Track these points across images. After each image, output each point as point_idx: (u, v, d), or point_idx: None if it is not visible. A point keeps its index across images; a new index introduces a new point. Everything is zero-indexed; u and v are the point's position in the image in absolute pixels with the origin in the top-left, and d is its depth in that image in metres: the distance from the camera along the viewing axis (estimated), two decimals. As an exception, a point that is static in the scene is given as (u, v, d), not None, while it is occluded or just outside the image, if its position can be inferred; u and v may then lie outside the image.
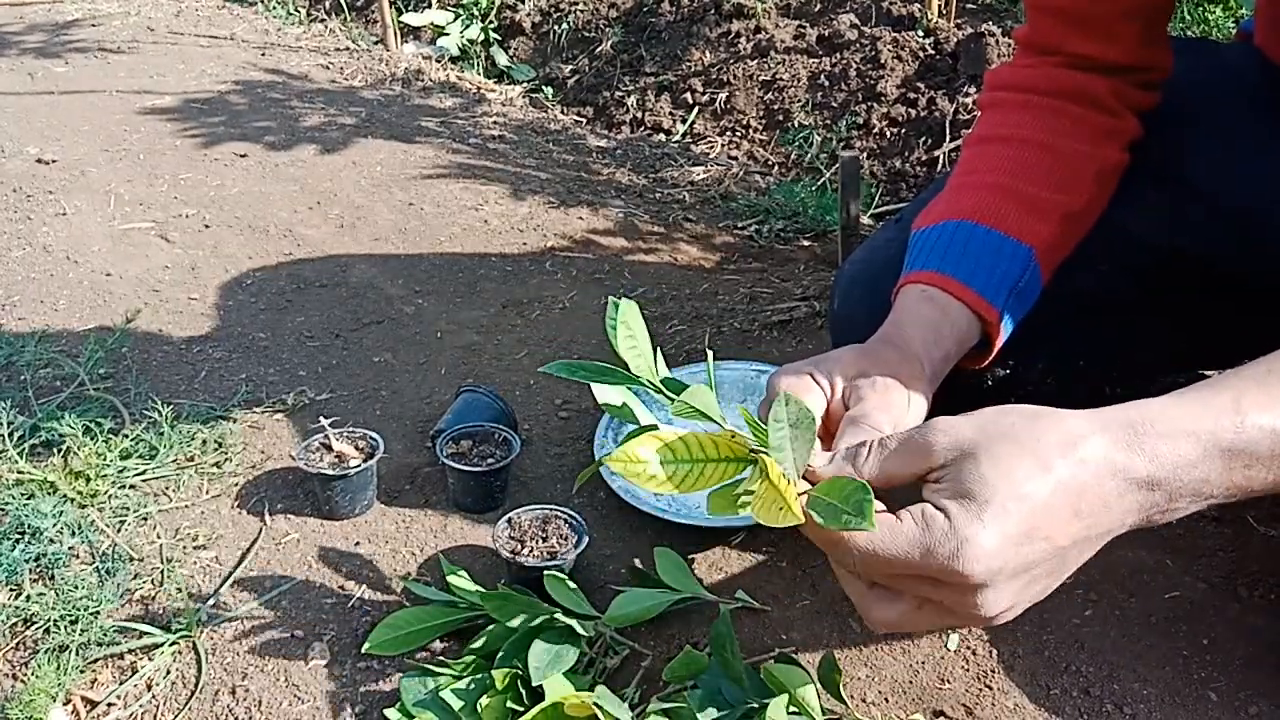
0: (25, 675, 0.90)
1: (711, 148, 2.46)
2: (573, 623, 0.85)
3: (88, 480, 1.11)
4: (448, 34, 3.20)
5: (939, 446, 0.59)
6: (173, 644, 0.93)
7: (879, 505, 0.58)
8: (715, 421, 0.62)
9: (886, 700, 0.86)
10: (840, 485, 0.57)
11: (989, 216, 0.87)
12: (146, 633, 0.94)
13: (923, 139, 2.25)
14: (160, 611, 0.97)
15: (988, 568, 0.55)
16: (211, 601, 0.98)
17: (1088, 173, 0.90)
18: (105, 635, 0.93)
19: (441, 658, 0.89)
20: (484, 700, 0.81)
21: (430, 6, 3.31)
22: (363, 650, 0.90)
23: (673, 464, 0.59)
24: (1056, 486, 0.56)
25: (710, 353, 0.67)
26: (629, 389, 0.66)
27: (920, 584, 0.58)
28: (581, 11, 3.14)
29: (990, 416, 0.60)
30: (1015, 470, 0.56)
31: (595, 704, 0.76)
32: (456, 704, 0.82)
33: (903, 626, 0.61)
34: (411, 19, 3.25)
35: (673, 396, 0.63)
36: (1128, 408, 0.60)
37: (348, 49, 3.21)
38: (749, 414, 0.61)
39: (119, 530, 1.06)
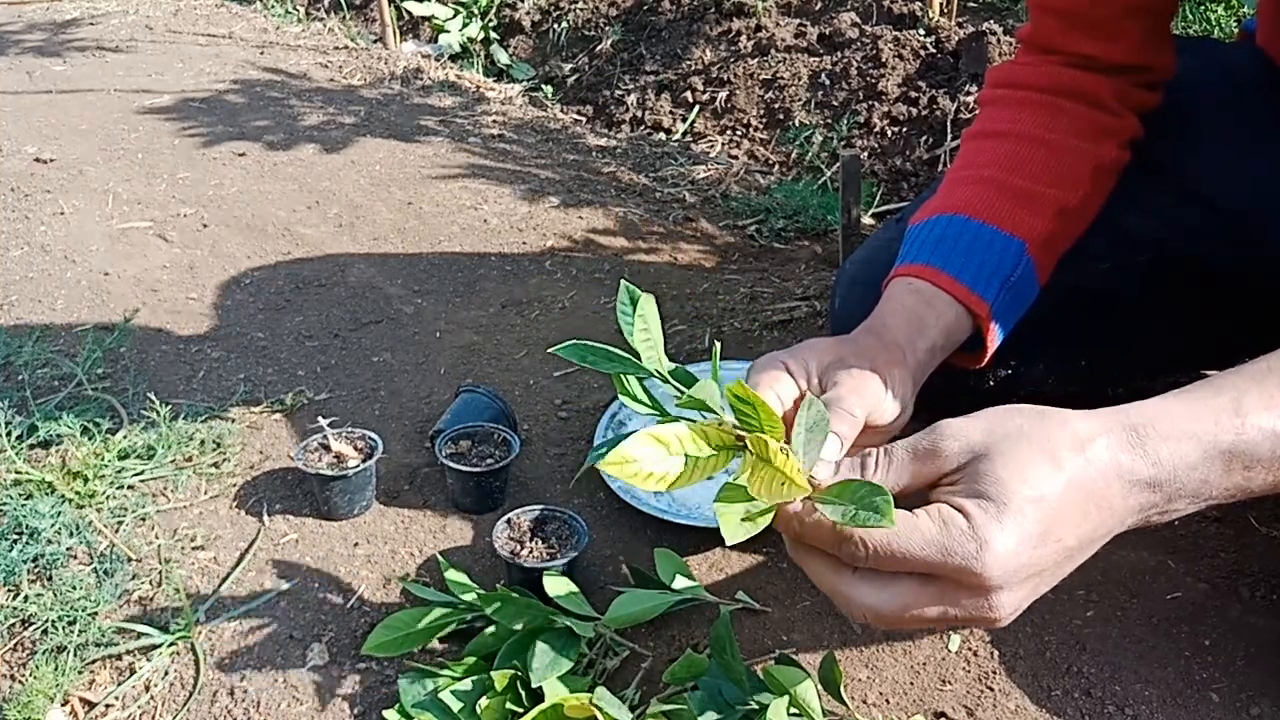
0: (23, 676, 0.89)
1: (712, 147, 2.46)
2: (572, 624, 0.85)
3: (86, 480, 1.11)
4: (447, 31, 3.20)
5: (949, 451, 0.59)
6: (171, 645, 0.92)
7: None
8: (716, 414, 0.61)
9: (887, 701, 0.85)
10: (852, 487, 0.56)
11: (981, 210, 0.86)
12: (144, 633, 0.93)
13: (924, 138, 2.25)
14: (158, 612, 0.97)
15: (1004, 569, 0.54)
16: (210, 602, 0.98)
17: (1084, 168, 0.90)
18: (103, 636, 0.93)
19: (441, 659, 0.89)
20: (483, 701, 0.81)
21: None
22: (361, 651, 0.89)
23: (666, 460, 0.58)
24: (1068, 486, 0.56)
25: (717, 344, 0.67)
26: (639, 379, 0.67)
27: (928, 585, 0.57)
28: (581, 10, 3.14)
29: (997, 418, 0.59)
30: (1029, 471, 0.56)
31: (595, 705, 0.75)
32: (456, 705, 0.82)
33: (905, 625, 0.61)
34: (413, 7, 3.24)
35: (680, 389, 0.63)
36: (1129, 409, 0.60)
37: (346, 47, 3.20)
38: (743, 388, 0.60)
39: (117, 530, 1.06)
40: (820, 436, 0.59)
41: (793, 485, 0.57)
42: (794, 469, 0.57)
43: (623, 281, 0.65)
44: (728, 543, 0.56)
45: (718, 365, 0.64)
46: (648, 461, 0.58)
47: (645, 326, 0.65)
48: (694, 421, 0.61)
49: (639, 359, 0.66)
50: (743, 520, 0.57)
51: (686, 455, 0.59)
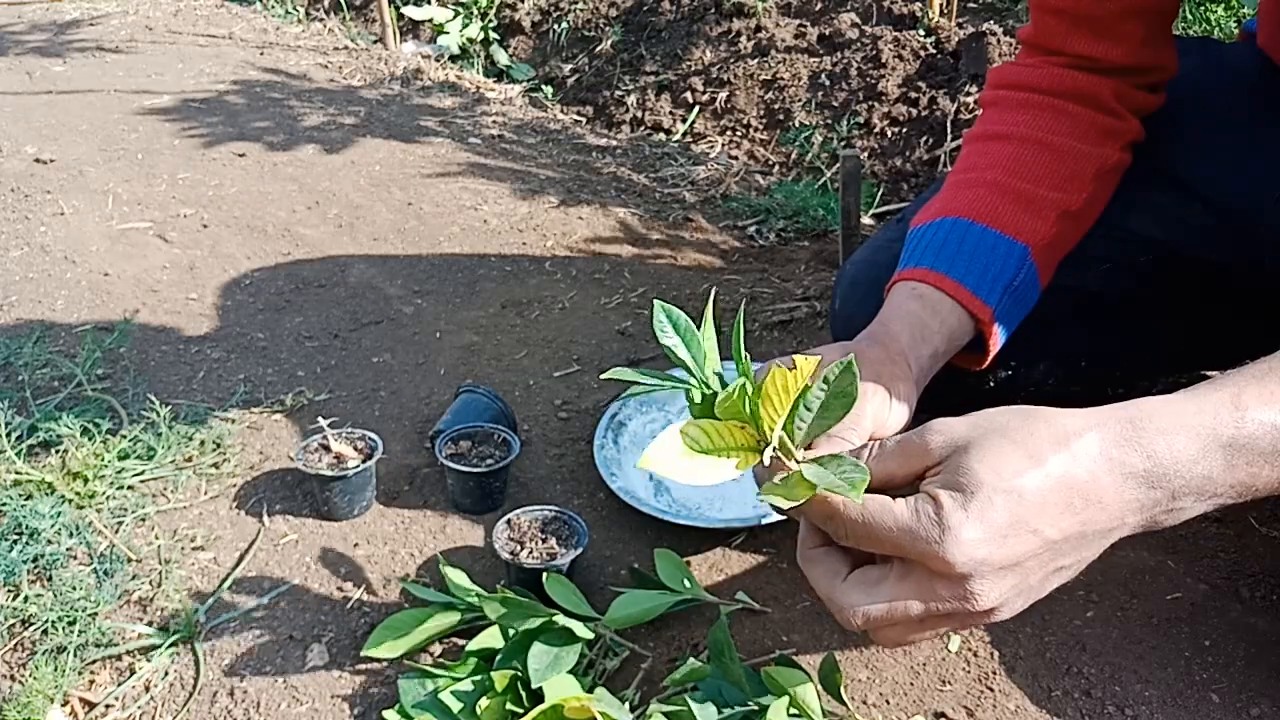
0: (23, 676, 0.89)
1: (712, 147, 2.46)
2: (572, 624, 0.85)
3: (86, 481, 1.11)
4: (447, 32, 3.20)
5: (934, 445, 0.59)
6: (171, 645, 0.92)
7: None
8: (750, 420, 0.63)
9: (887, 702, 0.85)
10: (840, 459, 0.59)
11: (984, 214, 0.87)
12: (144, 634, 0.93)
13: (924, 138, 2.25)
14: (158, 613, 0.97)
15: (970, 557, 0.55)
16: (210, 603, 0.98)
17: (1087, 171, 0.90)
18: (103, 636, 0.93)
19: (440, 659, 0.89)
20: (483, 702, 0.81)
21: (430, 2, 3.31)
22: (361, 652, 0.89)
23: (699, 453, 0.60)
24: (1047, 479, 0.56)
25: (747, 354, 0.68)
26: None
27: (906, 579, 0.58)
28: (581, 10, 3.14)
29: (986, 415, 0.60)
30: (1003, 463, 0.56)
31: (595, 706, 0.75)
32: (455, 706, 0.82)
33: (900, 630, 0.61)
34: (412, 11, 3.24)
35: (717, 391, 0.65)
36: (1125, 405, 0.60)
37: (346, 48, 3.20)
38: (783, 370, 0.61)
39: (117, 531, 1.06)
40: (839, 413, 0.60)
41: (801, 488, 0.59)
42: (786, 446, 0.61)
43: (657, 303, 0.66)
44: (639, 465, 0.59)
45: (748, 369, 0.65)
46: (682, 455, 0.60)
47: (676, 342, 0.66)
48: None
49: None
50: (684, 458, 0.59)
51: (717, 449, 0.61)
